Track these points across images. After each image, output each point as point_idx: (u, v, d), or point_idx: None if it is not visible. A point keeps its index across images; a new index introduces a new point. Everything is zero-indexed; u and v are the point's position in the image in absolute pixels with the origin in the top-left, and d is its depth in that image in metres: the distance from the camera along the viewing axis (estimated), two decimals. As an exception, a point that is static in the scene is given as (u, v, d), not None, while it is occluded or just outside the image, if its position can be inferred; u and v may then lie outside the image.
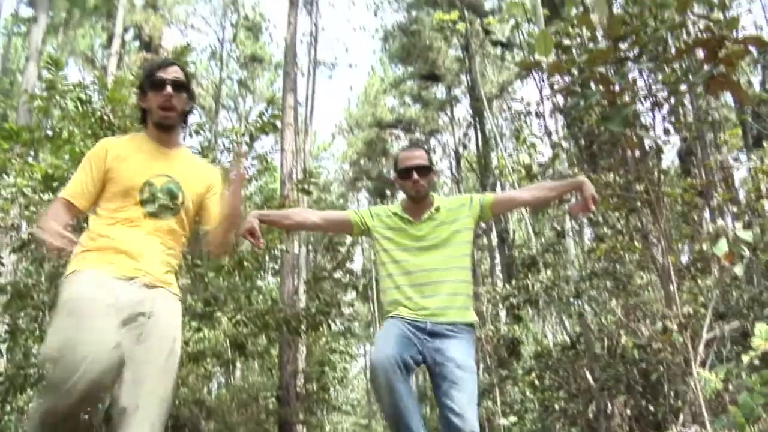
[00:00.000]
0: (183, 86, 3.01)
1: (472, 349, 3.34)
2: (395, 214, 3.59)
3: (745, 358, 4.23)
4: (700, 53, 4.13)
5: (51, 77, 7.22)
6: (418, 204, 3.57)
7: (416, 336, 3.24)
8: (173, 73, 2.99)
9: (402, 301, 3.37)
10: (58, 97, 7.23)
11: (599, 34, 4.41)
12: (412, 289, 3.38)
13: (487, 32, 20.92)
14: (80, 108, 7.14)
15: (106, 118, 7.15)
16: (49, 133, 7.37)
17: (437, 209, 3.56)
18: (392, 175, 3.83)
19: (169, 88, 2.94)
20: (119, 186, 2.87)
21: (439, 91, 25.04)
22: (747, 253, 4.85)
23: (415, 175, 3.49)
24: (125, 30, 20.26)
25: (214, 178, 3.16)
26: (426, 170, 3.54)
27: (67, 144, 7.34)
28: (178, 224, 2.99)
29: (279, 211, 3.40)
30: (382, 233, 3.54)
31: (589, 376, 7.29)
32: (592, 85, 4.49)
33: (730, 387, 4.23)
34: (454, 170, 25.18)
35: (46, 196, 7.26)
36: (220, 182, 3.13)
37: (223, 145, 8.37)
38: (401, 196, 3.72)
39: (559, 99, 4.97)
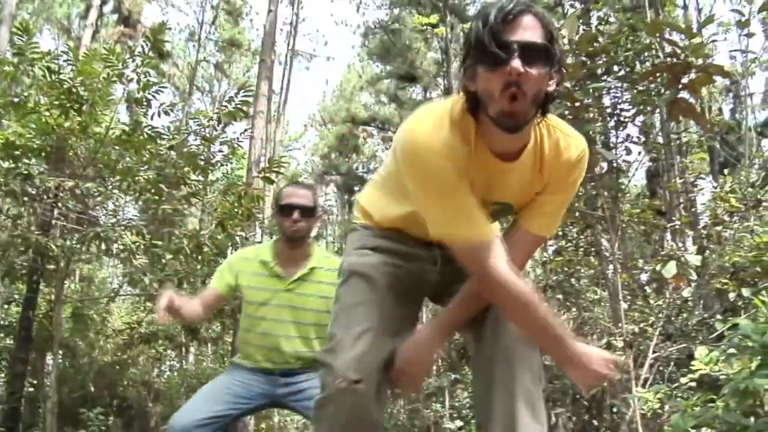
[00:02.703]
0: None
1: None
2: (263, 263, 3.31)
3: (684, 380, 4.32)
4: (665, 77, 4.20)
5: (21, 43, 7.12)
6: (292, 249, 3.30)
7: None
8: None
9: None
10: (27, 65, 7.13)
11: (566, 49, 4.44)
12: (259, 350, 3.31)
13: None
14: (48, 77, 7.04)
15: (74, 90, 7.07)
16: (16, 100, 7.26)
17: (311, 270, 3.29)
18: (272, 210, 3.59)
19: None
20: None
21: (415, 92, 25.07)
22: (695, 276, 4.94)
23: (296, 215, 3.21)
24: (104, 2, 19.96)
25: None
26: (309, 212, 3.25)
27: (34, 113, 7.25)
28: None
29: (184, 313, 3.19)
30: (246, 286, 3.31)
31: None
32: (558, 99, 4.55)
33: (666, 407, 4.31)
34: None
35: (6, 164, 7.16)
36: None
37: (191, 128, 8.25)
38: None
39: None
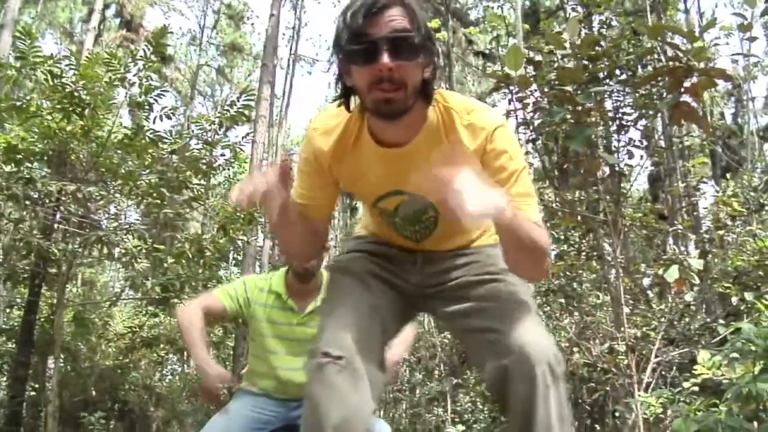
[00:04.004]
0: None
1: None
2: (275, 294, 3.21)
3: (687, 384, 4.31)
4: (667, 81, 4.19)
5: (23, 48, 7.13)
6: (303, 284, 3.19)
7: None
8: None
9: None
10: (29, 69, 7.14)
11: (568, 53, 4.44)
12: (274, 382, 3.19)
13: (469, 42, 21.01)
14: (51, 81, 7.05)
15: (76, 94, 7.08)
16: (18, 104, 7.27)
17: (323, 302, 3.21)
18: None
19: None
20: None
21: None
22: (697, 280, 4.93)
23: None
24: (106, 6, 20.00)
25: None
26: None
27: (36, 117, 7.26)
28: None
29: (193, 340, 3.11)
30: (260, 318, 3.20)
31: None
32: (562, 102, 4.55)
33: (669, 412, 4.29)
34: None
35: (8, 168, 7.17)
36: None
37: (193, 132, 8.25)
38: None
39: (529, 114, 4.99)
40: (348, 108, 1.79)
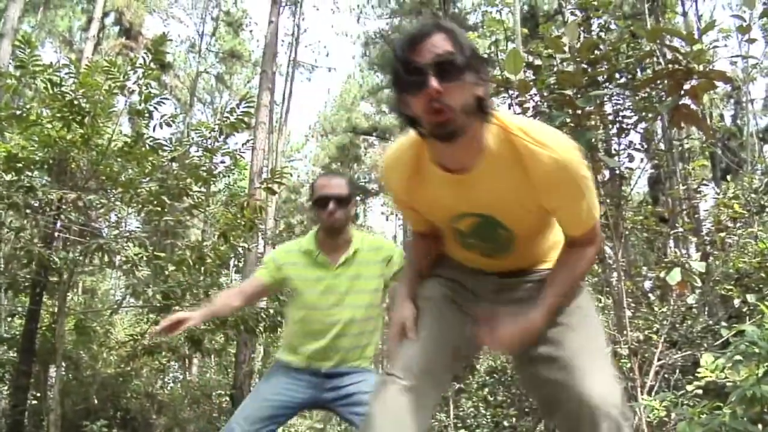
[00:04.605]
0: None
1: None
2: (307, 252, 3.35)
3: (690, 387, 4.30)
4: (666, 83, 4.19)
5: (22, 56, 7.13)
6: (333, 239, 3.32)
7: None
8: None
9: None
10: (29, 78, 7.15)
11: (567, 56, 4.44)
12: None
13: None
14: (50, 90, 7.06)
15: (76, 102, 7.08)
16: (18, 113, 7.27)
17: (355, 253, 3.32)
18: (308, 203, 3.60)
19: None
20: None
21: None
22: (699, 283, 4.93)
23: (332, 206, 3.22)
24: (105, 14, 20.04)
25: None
26: (344, 201, 3.26)
27: (36, 125, 7.27)
28: None
29: (210, 308, 3.24)
30: (294, 277, 3.33)
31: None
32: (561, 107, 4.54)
33: (673, 416, 4.28)
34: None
35: (8, 177, 7.17)
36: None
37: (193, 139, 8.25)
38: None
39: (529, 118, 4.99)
40: (421, 136, 1.85)
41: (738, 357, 3.34)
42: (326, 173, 3.40)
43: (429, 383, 1.96)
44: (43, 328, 10.29)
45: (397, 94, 1.82)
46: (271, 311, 9.04)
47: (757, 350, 3.15)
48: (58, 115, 7.11)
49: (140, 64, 7.33)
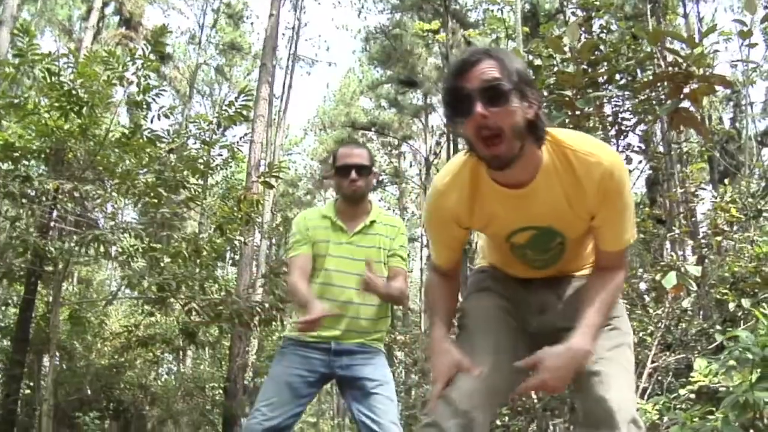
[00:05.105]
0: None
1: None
2: (326, 217, 3.38)
3: (683, 392, 4.30)
4: (667, 86, 4.18)
5: (21, 45, 7.11)
6: (352, 207, 3.37)
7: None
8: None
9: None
10: (27, 66, 7.12)
11: (568, 57, 4.43)
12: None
13: (468, 43, 21.01)
14: (49, 79, 7.03)
15: (74, 92, 7.06)
16: (16, 101, 7.24)
17: (372, 223, 3.35)
18: (329, 172, 3.59)
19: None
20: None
21: (415, 97, 25.06)
22: (694, 287, 4.92)
23: (354, 174, 3.26)
24: (105, 4, 19.98)
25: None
26: (366, 170, 3.31)
27: (34, 115, 7.24)
28: None
29: (302, 292, 3.24)
30: (318, 239, 3.33)
31: (533, 396, 7.33)
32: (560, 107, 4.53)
33: (665, 419, 4.28)
34: (423, 178, 25.23)
35: (4, 166, 7.15)
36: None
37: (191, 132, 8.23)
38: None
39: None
40: (478, 158, 1.91)
41: (732, 363, 3.33)
42: (348, 143, 3.39)
43: (484, 410, 1.99)
44: (38, 318, 10.29)
45: (450, 118, 1.91)
46: (266, 305, 9.04)
47: (750, 356, 3.15)
48: (56, 104, 7.08)
49: (139, 54, 7.31)
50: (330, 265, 3.29)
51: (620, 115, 4.92)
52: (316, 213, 3.45)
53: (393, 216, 3.65)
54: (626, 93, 4.73)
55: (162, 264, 8.00)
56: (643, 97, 4.51)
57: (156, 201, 7.67)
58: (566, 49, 4.37)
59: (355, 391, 3.24)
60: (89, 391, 12.39)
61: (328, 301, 3.22)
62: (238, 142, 8.62)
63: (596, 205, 1.93)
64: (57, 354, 10.10)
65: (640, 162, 5.72)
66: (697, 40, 4.04)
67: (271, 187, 8.60)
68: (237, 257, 14.08)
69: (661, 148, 9.22)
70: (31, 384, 11.05)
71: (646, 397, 4.69)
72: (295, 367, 3.24)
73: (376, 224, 3.36)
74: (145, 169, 7.67)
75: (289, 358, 3.29)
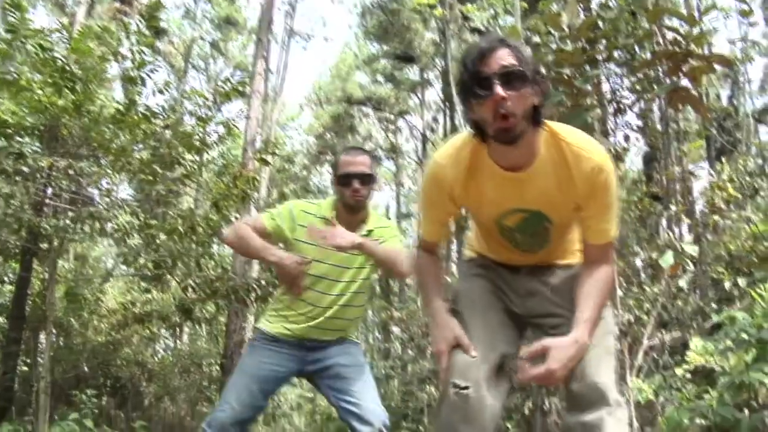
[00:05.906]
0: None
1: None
2: (323, 219, 3.23)
3: (679, 371, 4.31)
4: (666, 65, 4.14)
5: (13, 20, 7.03)
6: (352, 215, 3.26)
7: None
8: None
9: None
10: (19, 42, 7.05)
11: (566, 34, 4.38)
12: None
13: (466, 18, 20.85)
14: (42, 55, 6.96)
15: (68, 68, 7.00)
16: (8, 77, 7.18)
17: (368, 233, 3.24)
18: (331, 178, 3.48)
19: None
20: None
21: (412, 72, 24.93)
22: (691, 266, 4.92)
23: (356, 184, 3.18)
24: (99, -23, 19.75)
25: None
26: (368, 179, 3.22)
27: (26, 91, 7.18)
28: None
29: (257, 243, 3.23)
30: (305, 240, 3.20)
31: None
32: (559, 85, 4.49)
33: (661, 398, 4.30)
34: (419, 153, 25.16)
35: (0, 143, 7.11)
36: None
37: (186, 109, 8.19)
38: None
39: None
40: (483, 139, 2.10)
41: (728, 343, 3.34)
42: (351, 149, 3.23)
43: (488, 384, 2.14)
44: (34, 295, 10.27)
45: (465, 102, 2.06)
46: (263, 282, 9.05)
47: (746, 337, 3.15)
48: (50, 80, 7.02)
49: (134, 30, 7.25)
50: (322, 272, 3.21)
51: (618, 93, 4.89)
52: (316, 213, 3.30)
53: (387, 221, 3.60)
54: (625, 71, 4.69)
55: (158, 241, 8.00)
56: (641, 76, 4.47)
57: (151, 178, 7.64)
58: (565, 26, 4.33)
59: (329, 379, 3.20)
60: (86, 368, 12.43)
61: (309, 306, 3.20)
62: (233, 119, 8.59)
63: (584, 196, 2.10)
64: (53, 331, 10.10)
65: (637, 139, 5.68)
66: (696, 18, 4.00)
67: (267, 164, 8.57)
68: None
69: (659, 127, 9.18)
70: (28, 361, 11.07)
71: (642, 374, 4.71)
72: (267, 362, 3.20)
73: (373, 233, 3.28)
74: (140, 146, 7.63)
75: (260, 352, 3.24)
